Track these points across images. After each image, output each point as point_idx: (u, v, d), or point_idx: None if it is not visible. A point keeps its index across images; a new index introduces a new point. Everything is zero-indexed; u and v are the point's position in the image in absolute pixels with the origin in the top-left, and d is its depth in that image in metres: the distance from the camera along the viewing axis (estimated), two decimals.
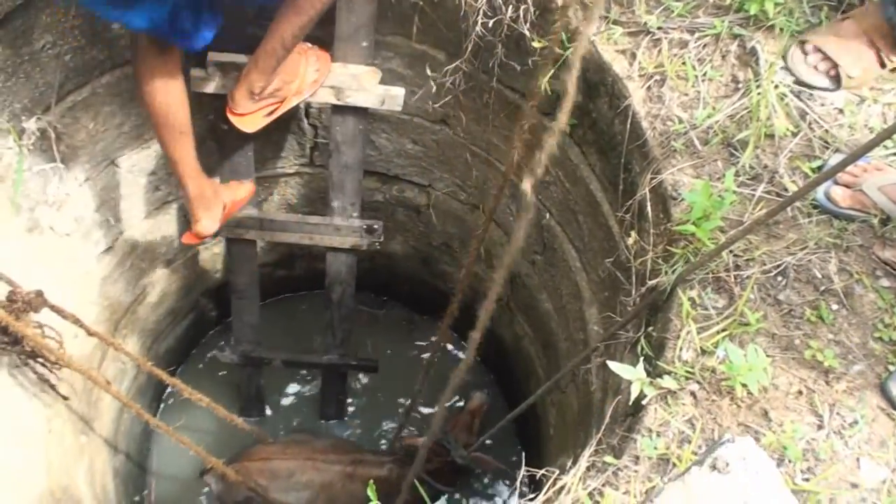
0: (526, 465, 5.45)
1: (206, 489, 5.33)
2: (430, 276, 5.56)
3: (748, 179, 2.51)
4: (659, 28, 2.77)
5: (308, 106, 4.19)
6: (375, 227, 4.15)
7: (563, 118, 2.36)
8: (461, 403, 5.56)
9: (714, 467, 1.76)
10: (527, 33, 3.01)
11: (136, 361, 3.89)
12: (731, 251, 2.41)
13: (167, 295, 5.07)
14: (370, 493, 2.02)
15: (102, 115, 3.57)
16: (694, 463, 1.79)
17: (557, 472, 2.23)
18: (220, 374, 5.82)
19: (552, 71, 2.75)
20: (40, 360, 3.31)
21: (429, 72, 3.67)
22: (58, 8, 2.96)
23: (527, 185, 2.68)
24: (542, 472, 2.28)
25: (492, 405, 5.41)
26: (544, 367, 4.67)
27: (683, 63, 2.69)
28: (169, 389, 5.72)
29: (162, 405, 5.77)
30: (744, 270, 2.40)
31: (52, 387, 3.53)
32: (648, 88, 2.73)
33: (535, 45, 2.99)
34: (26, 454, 3.41)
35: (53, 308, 3.29)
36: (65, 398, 3.68)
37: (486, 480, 5.49)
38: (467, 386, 5.61)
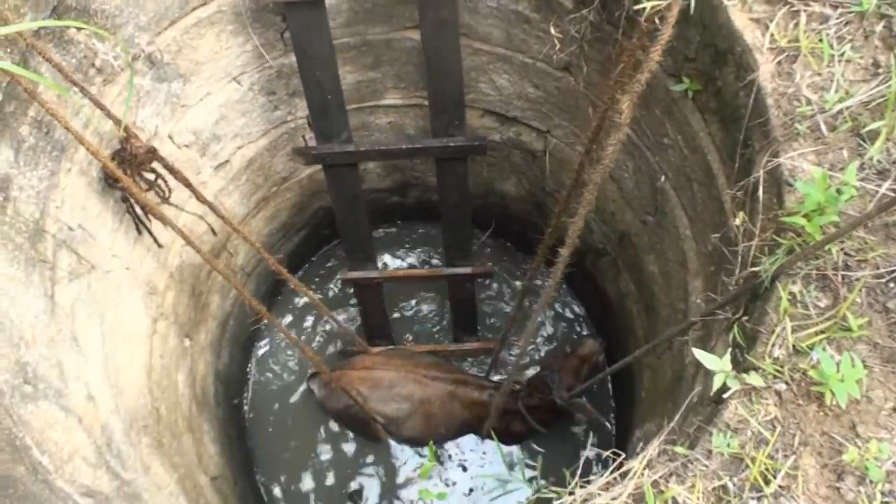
0: (615, 421, 5.43)
1: (299, 394, 5.57)
2: (542, 221, 5.47)
3: (874, 174, 2.31)
4: None
5: None
6: None
7: (666, 32, 2.21)
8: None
9: None
10: None
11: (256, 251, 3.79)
12: (842, 250, 2.25)
13: (281, 210, 5.19)
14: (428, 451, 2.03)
15: (226, 33, 3.62)
16: None
17: (623, 455, 2.19)
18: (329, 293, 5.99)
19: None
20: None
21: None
22: None
23: (624, 105, 2.57)
24: (609, 453, 2.24)
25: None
26: (644, 329, 4.57)
27: (820, 40, 2.48)
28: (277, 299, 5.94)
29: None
30: (854, 272, 2.23)
31: (150, 232, 3.60)
32: (779, 63, 2.54)
33: None
34: (130, 351, 3.59)
35: (165, 165, 3.30)
36: (160, 245, 3.77)
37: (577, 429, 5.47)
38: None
